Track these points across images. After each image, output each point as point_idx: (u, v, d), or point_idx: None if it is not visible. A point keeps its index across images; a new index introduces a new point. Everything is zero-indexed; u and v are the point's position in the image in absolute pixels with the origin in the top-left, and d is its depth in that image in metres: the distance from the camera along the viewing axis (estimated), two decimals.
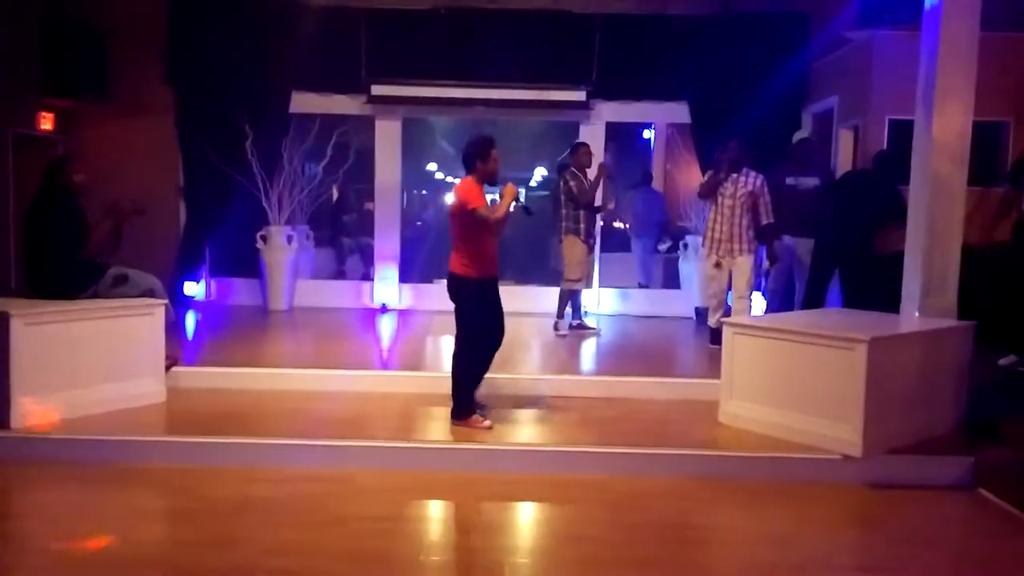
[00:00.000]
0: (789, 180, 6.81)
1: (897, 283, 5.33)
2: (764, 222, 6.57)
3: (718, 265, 6.66)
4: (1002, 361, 5.82)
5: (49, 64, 7.99)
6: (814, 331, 4.53)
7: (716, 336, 6.62)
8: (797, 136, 7.29)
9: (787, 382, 4.55)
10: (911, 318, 5.06)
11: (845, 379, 4.23)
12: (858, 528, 3.90)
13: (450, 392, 4.88)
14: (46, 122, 8.36)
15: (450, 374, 4.88)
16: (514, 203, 4.72)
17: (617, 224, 12.12)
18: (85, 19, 8.29)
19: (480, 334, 4.83)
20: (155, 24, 8.60)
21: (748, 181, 6.56)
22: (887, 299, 5.64)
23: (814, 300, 6.85)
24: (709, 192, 6.79)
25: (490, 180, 4.81)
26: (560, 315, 7.43)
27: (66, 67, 8.06)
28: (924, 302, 5.09)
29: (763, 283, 8.91)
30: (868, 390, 4.16)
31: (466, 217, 4.65)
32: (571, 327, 7.46)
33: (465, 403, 4.84)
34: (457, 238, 4.78)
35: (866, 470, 4.19)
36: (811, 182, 6.94)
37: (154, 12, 8.59)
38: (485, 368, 4.97)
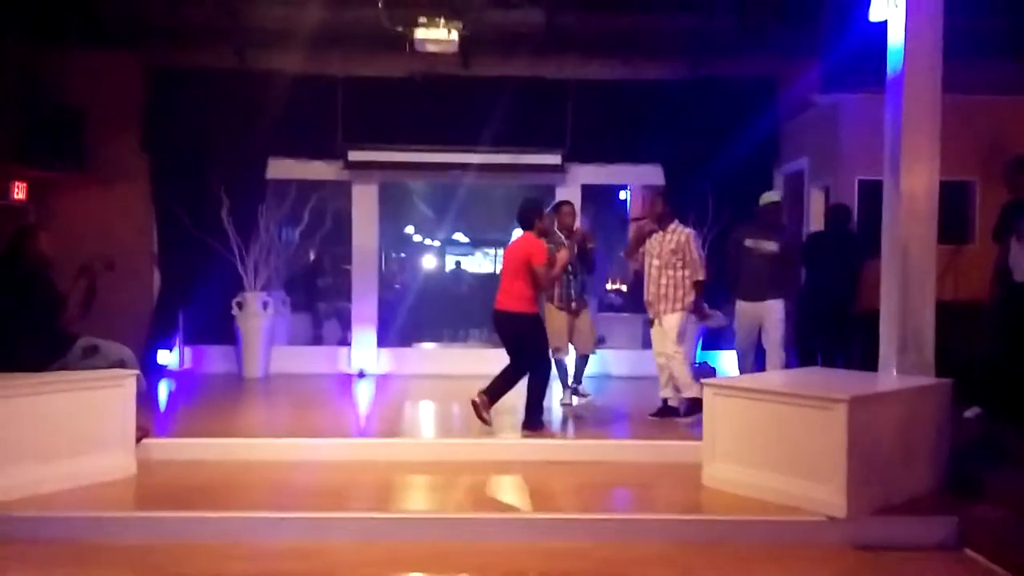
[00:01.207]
0: (748, 242, 6.59)
1: (874, 341, 5.37)
2: (694, 279, 6.23)
3: (652, 324, 6.40)
4: (967, 413, 5.82)
5: (25, 134, 8.00)
6: (794, 391, 4.52)
7: (663, 408, 6.36)
8: (767, 198, 6.88)
9: (769, 443, 4.52)
10: (889, 376, 5.08)
11: (827, 439, 4.20)
12: None
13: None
14: (19, 191, 8.33)
15: (527, 392, 5.87)
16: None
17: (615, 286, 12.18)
18: (63, 91, 8.34)
19: (547, 356, 6.02)
20: (132, 94, 8.66)
21: (672, 238, 6.26)
22: (864, 358, 5.67)
23: (805, 363, 6.83)
24: (630, 252, 6.61)
25: (544, 235, 6.01)
26: (563, 384, 7.08)
27: (43, 137, 8.08)
28: (901, 360, 5.11)
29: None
30: (850, 450, 4.14)
31: (528, 266, 5.77)
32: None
33: (540, 414, 5.90)
34: (520, 281, 5.82)
35: (851, 531, 4.14)
36: (770, 247, 6.57)
37: (131, 82, 8.65)
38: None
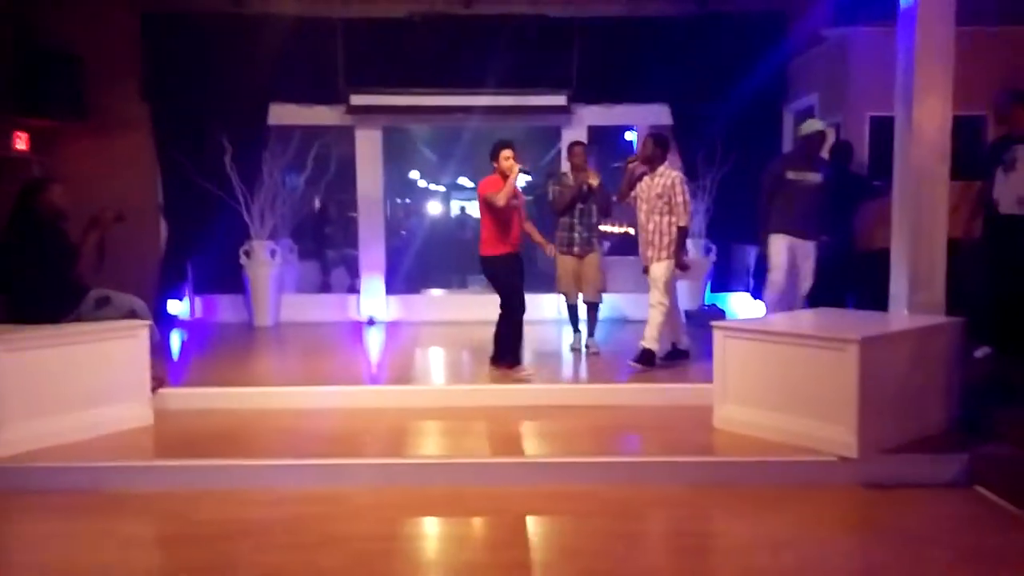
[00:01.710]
0: (790, 175, 6.22)
1: (882, 280, 5.35)
2: (677, 224, 5.99)
3: (646, 272, 6.20)
4: (977, 353, 5.81)
5: (24, 85, 7.91)
6: (805, 332, 4.52)
7: (672, 351, 6.19)
8: (810, 125, 6.37)
9: (780, 384, 4.53)
10: (900, 316, 5.07)
11: (838, 380, 4.22)
12: (856, 530, 3.88)
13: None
14: (20, 142, 8.26)
15: (495, 327, 6.08)
16: (520, 173, 5.89)
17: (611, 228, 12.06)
18: (60, 39, 8.20)
19: (512, 299, 5.99)
20: (130, 41, 8.53)
21: (659, 181, 6.02)
22: (872, 296, 5.64)
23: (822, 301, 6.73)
24: (621, 196, 6.36)
25: (504, 175, 5.88)
26: (573, 328, 7.08)
27: (41, 87, 7.99)
28: (912, 299, 5.10)
29: (751, 284, 8.93)
30: (861, 390, 4.15)
31: (485, 204, 5.86)
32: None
33: (502, 352, 6.04)
34: (485, 223, 5.95)
35: (862, 471, 4.18)
36: (814, 178, 6.29)
37: (128, 29, 8.51)
38: (521, 329, 6.08)
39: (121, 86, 8.51)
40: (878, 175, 6.63)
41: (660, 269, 6.06)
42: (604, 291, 6.90)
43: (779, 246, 6.33)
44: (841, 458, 4.20)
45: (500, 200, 5.77)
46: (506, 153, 5.89)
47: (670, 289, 6.12)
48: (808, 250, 6.36)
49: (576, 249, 6.76)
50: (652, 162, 6.11)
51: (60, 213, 5.05)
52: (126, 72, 8.53)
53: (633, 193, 6.26)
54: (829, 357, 4.28)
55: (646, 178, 6.15)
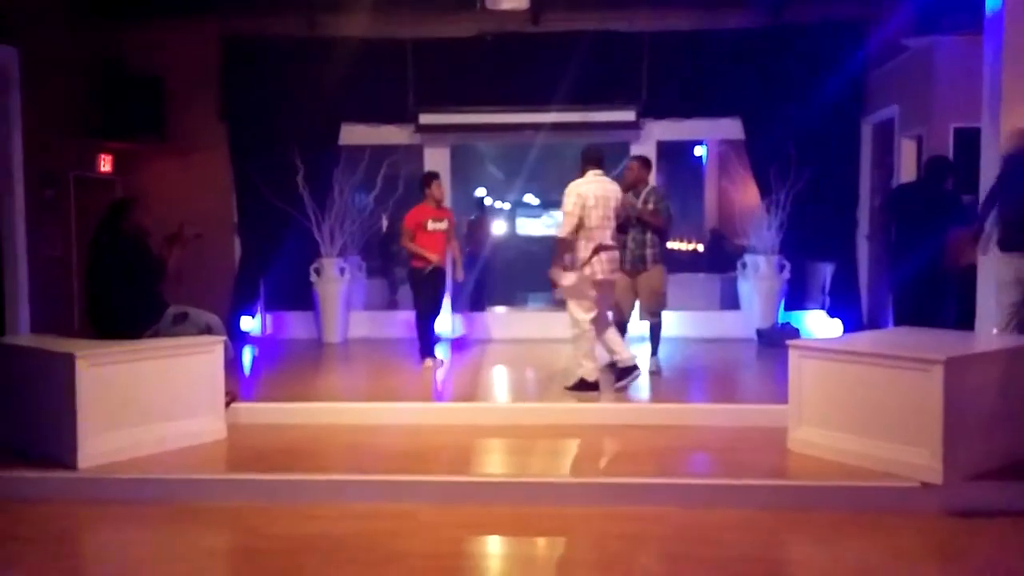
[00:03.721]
0: None
1: (969, 299, 5.10)
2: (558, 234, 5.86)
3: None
4: None
5: (109, 109, 8.25)
6: (886, 352, 4.33)
7: (620, 372, 5.94)
8: None
9: (860, 406, 4.35)
10: (988, 336, 4.83)
11: (921, 402, 4.03)
12: (940, 560, 3.69)
13: None
14: (105, 164, 8.60)
15: None
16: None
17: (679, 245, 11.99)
18: (143, 64, 8.53)
19: (417, 304, 7.15)
20: (209, 65, 8.81)
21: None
22: (956, 316, 5.34)
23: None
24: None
25: (435, 204, 7.00)
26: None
27: (125, 111, 8.32)
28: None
29: (826, 302, 8.67)
30: (946, 413, 3.96)
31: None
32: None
33: (422, 349, 7.15)
34: None
35: (947, 498, 3.98)
36: None
37: (208, 54, 8.79)
38: (430, 329, 7.17)
39: (200, 108, 8.78)
40: (963, 190, 6.32)
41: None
42: (662, 309, 6.57)
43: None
44: (924, 484, 4.01)
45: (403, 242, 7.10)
46: (437, 183, 6.98)
47: (574, 301, 5.76)
48: None
49: (627, 267, 6.44)
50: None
51: (146, 231, 5.20)
52: (205, 94, 8.81)
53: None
54: (912, 378, 4.09)
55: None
